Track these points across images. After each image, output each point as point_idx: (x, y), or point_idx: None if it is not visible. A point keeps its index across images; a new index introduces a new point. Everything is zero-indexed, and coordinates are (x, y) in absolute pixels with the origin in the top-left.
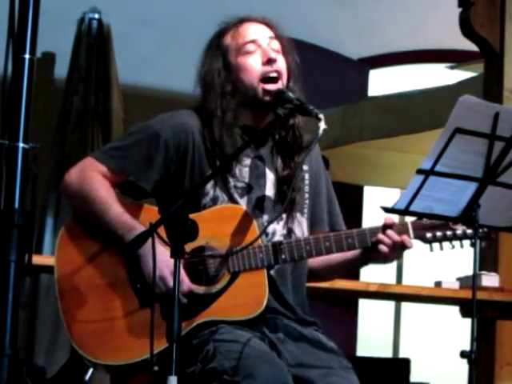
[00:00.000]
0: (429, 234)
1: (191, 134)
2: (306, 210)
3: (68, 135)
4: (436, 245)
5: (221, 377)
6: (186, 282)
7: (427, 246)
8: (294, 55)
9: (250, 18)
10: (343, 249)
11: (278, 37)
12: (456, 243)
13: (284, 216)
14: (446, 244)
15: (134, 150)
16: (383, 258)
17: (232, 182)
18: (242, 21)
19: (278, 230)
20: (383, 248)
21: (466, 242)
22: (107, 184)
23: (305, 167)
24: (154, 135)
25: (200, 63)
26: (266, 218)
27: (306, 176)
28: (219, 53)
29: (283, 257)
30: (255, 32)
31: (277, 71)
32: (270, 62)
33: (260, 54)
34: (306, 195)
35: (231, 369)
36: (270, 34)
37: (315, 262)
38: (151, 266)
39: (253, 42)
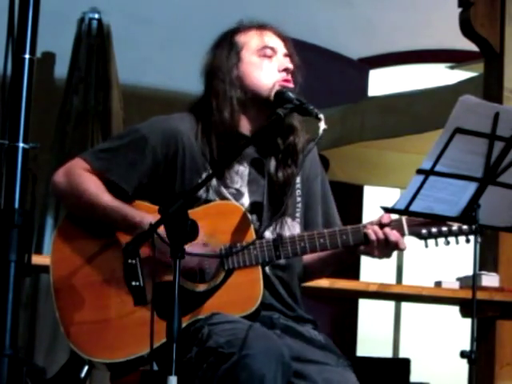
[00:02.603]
0: (424, 231)
1: (181, 139)
2: (298, 215)
3: (68, 135)
4: (431, 241)
5: (216, 351)
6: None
7: (422, 242)
8: (300, 70)
9: (269, 27)
10: (337, 245)
11: (289, 52)
12: (451, 239)
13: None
14: (441, 240)
15: (120, 152)
16: (372, 253)
17: (223, 186)
18: (262, 27)
19: (266, 235)
20: (372, 236)
21: (462, 239)
22: (94, 177)
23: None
24: (142, 139)
25: (209, 56)
26: (256, 224)
27: (298, 179)
28: (231, 48)
29: (277, 254)
30: (274, 42)
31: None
32: (286, 70)
33: (277, 61)
34: (298, 199)
35: (226, 343)
36: (285, 49)
37: (306, 257)
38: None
39: (271, 48)
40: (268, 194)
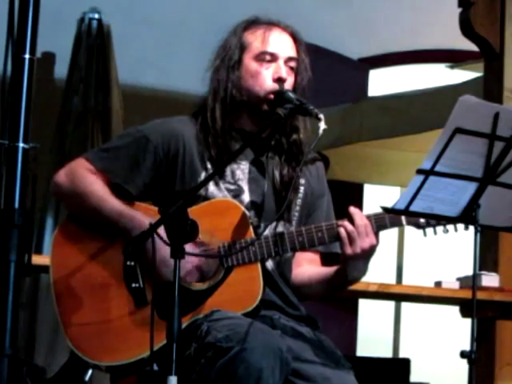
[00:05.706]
0: (422, 220)
1: (182, 141)
2: (294, 222)
3: (68, 135)
4: (429, 230)
5: (215, 346)
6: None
7: (420, 231)
8: (307, 72)
9: (280, 24)
10: (336, 238)
11: (298, 53)
12: (450, 227)
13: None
14: (439, 229)
15: (122, 152)
16: (345, 252)
17: (222, 183)
18: (271, 25)
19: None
20: (343, 233)
21: (460, 226)
22: (99, 180)
23: (302, 181)
24: (144, 139)
25: (220, 46)
26: (255, 221)
27: (301, 189)
28: (237, 45)
29: (276, 249)
30: (278, 44)
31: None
32: (280, 80)
33: (273, 68)
34: (297, 208)
35: (225, 338)
36: (292, 51)
37: (296, 279)
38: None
39: (271, 54)
40: (267, 195)
